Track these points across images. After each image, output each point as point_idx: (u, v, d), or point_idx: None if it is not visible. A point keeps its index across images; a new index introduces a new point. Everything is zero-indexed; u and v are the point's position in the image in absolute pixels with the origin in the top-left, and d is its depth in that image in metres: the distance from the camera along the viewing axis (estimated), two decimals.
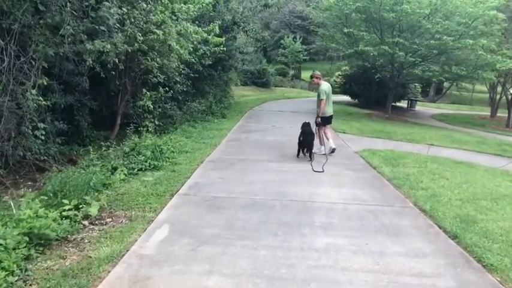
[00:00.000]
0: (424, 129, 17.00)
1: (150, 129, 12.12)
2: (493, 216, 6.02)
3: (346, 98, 28.96)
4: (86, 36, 10.27)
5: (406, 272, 4.29)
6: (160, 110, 12.73)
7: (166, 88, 12.57)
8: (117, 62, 10.40)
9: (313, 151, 9.72)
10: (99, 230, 5.07)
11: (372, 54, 17.82)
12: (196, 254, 4.48)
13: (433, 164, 9.41)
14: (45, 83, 8.67)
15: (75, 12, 8.97)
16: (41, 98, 8.15)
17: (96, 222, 5.35)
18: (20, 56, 8.11)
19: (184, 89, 15.01)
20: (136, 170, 7.85)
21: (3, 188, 7.27)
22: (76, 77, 10.85)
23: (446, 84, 40.10)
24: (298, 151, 9.87)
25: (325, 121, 10.47)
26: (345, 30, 18.15)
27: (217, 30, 13.21)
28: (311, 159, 9.40)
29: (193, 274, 4.05)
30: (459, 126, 21.90)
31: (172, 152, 9.43)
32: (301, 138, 9.76)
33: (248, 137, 12.76)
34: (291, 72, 49.01)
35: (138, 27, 10.91)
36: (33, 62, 8.31)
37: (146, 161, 8.20)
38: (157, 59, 11.71)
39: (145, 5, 10.41)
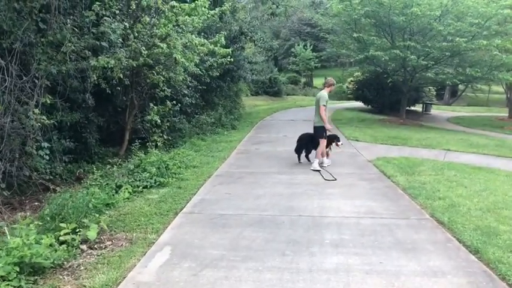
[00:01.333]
0: (441, 134, 16.53)
1: (158, 144, 11.96)
2: None
3: (359, 104, 28.58)
4: (90, 53, 10.18)
5: None
6: (168, 124, 12.54)
7: (174, 102, 12.38)
8: (121, 77, 10.28)
9: (322, 164, 9.81)
10: (97, 255, 4.82)
11: (383, 58, 17.45)
12: (198, 279, 4.21)
13: (450, 171, 9.02)
14: (49, 102, 8.55)
15: (76, 29, 8.86)
16: (44, 117, 8.00)
17: (95, 246, 5.11)
18: (22, 76, 8.00)
19: (193, 102, 14.84)
20: (141, 187, 7.63)
21: (10, 209, 7.13)
22: (81, 94, 10.72)
23: (461, 86, 39.53)
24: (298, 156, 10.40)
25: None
26: (355, 35, 17.83)
27: (223, 41, 13.00)
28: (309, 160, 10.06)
29: None
30: (476, 129, 21.32)
31: (179, 167, 9.20)
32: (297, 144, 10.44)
33: (258, 148, 12.49)
34: (303, 80, 48.77)
35: (142, 42, 10.78)
36: (36, 81, 8.20)
37: (152, 178, 7.98)
38: (163, 73, 11.53)
39: (148, 19, 10.25)
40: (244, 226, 5.77)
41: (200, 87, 14.84)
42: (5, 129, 7.32)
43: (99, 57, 9.96)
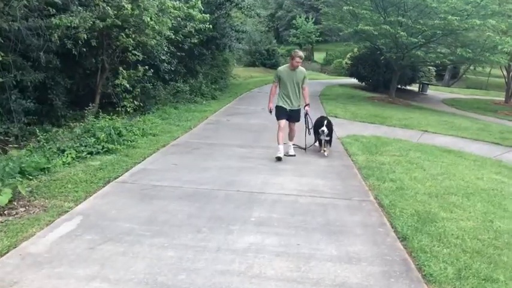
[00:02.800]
0: (425, 115, 16.08)
1: (128, 110, 11.62)
2: (457, 215, 5.32)
3: (354, 80, 28.00)
4: (54, 10, 9.71)
5: (327, 281, 3.66)
6: (139, 89, 12.11)
7: (146, 67, 11.94)
8: (86, 38, 9.84)
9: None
10: (1, 222, 4.54)
11: (373, 34, 16.86)
12: (92, 253, 3.92)
13: (416, 153, 8.67)
14: (0, 58, 8.13)
15: None
16: None
17: (5, 212, 4.82)
18: None
19: (172, 69, 14.40)
20: (85, 153, 7.30)
21: None
22: (45, 53, 10.31)
23: (464, 67, 38.73)
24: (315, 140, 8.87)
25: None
26: (345, 8, 17.19)
27: (200, 5, 12.49)
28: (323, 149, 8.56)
29: (73, 279, 3.48)
30: (469, 112, 20.83)
31: (135, 134, 8.86)
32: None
33: (230, 119, 12.14)
34: (303, 53, 47.89)
35: (110, 1, 10.31)
36: None
37: (100, 144, 7.65)
38: (133, 36, 11.06)
39: None
40: (173, 199, 5.48)
41: (179, 53, 14.38)
42: None
43: (62, 15, 9.53)
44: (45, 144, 7.47)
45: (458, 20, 15.61)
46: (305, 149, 8.65)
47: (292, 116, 8.16)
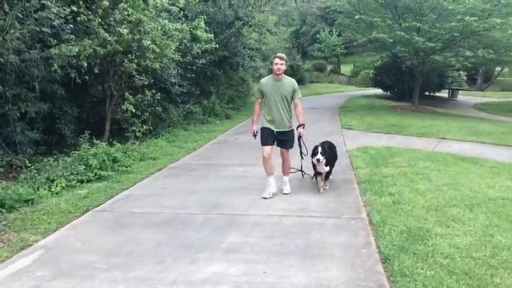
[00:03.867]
0: (448, 121, 15.32)
1: (138, 135, 11.52)
2: (454, 230, 4.80)
3: (379, 91, 27.27)
4: (55, 41, 9.78)
5: None
6: (147, 114, 12.03)
7: (153, 91, 11.85)
8: (85, 65, 9.82)
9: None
10: None
11: (388, 41, 16.31)
12: None
13: (426, 163, 8.11)
14: None
15: (20, 15, 8.41)
16: None
17: None
18: None
19: (184, 91, 14.34)
20: (75, 181, 7.17)
21: None
22: (50, 84, 10.40)
23: (497, 70, 37.21)
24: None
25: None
26: (356, 17, 16.74)
27: (202, 25, 12.39)
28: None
29: None
30: (499, 116, 19.81)
31: (134, 159, 8.71)
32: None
33: (238, 138, 11.86)
34: (329, 67, 47.41)
35: (108, 28, 10.34)
36: None
37: (92, 171, 7.52)
38: (136, 60, 11.01)
39: (107, 3, 9.68)
40: (147, 227, 5.21)
41: (189, 75, 14.32)
42: None
43: (62, 45, 9.58)
44: (36, 174, 7.37)
45: (477, 21, 14.88)
46: (302, 171, 7.28)
47: (281, 141, 6.36)
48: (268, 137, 6.34)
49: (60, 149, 10.82)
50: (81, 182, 7.24)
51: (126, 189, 6.86)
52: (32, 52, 9.28)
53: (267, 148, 6.34)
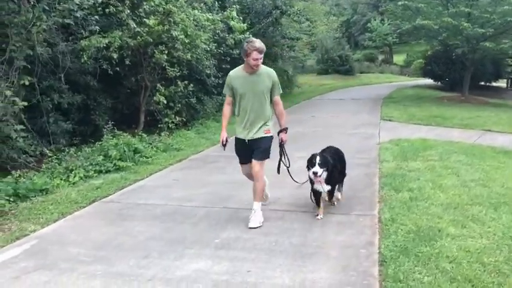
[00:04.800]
0: (499, 112, 14.29)
1: (170, 126, 11.52)
2: (470, 230, 4.33)
3: (429, 81, 26.02)
4: (86, 33, 9.94)
5: None
6: (180, 105, 12.01)
7: (186, 82, 11.78)
8: (115, 57, 9.89)
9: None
10: None
11: (434, 28, 15.41)
12: (13, 283, 3.63)
13: (459, 156, 7.52)
14: (28, 83, 8.32)
15: (47, 7, 8.54)
16: (16, 98, 7.76)
17: None
18: None
19: (220, 82, 14.22)
20: (92, 172, 7.21)
21: None
22: (84, 75, 10.60)
23: None
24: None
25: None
26: (400, 2, 15.91)
27: (234, 15, 12.17)
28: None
29: None
30: None
31: (157, 150, 8.68)
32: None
33: None
34: (380, 57, 45.92)
35: (136, 19, 10.35)
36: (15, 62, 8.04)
37: (111, 162, 7.55)
38: (167, 51, 10.98)
39: None
40: (146, 219, 5.10)
41: (224, 66, 14.17)
42: None
43: (92, 37, 9.70)
44: (56, 164, 7.48)
45: None
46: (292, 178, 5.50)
47: (254, 150, 4.82)
48: (242, 150, 4.96)
49: (95, 139, 11.01)
50: (100, 172, 7.28)
51: (140, 180, 6.81)
52: (61, 44, 9.45)
53: (245, 168, 5.02)
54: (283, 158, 5.17)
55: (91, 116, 10.83)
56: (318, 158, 4.83)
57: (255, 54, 4.53)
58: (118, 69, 10.41)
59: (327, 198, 5.22)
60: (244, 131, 4.87)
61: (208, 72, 13.36)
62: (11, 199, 5.82)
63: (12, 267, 3.91)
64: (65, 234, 4.70)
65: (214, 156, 8.36)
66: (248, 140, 4.84)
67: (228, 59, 13.99)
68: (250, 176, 4.99)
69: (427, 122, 11.94)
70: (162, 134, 10.28)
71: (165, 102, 11.24)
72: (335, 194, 5.29)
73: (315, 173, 4.77)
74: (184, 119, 12.30)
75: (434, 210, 4.90)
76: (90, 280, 3.64)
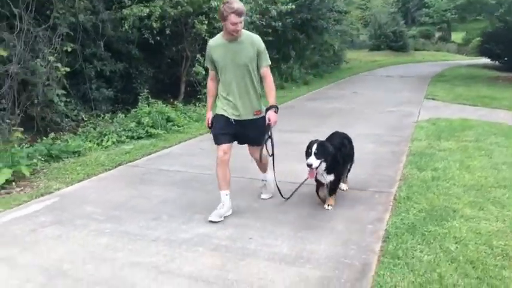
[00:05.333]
0: None
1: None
2: (487, 213, 4.15)
3: (486, 60, 24.72)
4: (129, 2, 10.13)
5: (242, 285, 3.06)
6: None
7: None
8: (155, 26, 10.02)
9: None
10: None
11: (490, 2, 14.53)
12: (28, 235, 3.86)
13: (497, 138, 7.16)
14: (70, 49, 8.62)
15: None
16: (59, 64, 8.09)
17: (2, 191, 5.06)
18: (40, 24, 8.19)
19: None
20: (125, 137, 7.46)
21: None
22: (126, 44, 10.83)
23: None
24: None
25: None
26: None
27: None
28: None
29: None
30: None
31: (189, 120, 8.83)
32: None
33: (307, 104, 11.51)
34: (437, 34, 43.94)
35: None
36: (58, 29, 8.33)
37: (144, 129, 7.78)
38: (206, 22, 11.02)
39: None
40: (164, 184, 5.26)
41: (266, 38, 14.06)
42: (15, 76, 7.47)
43: (133, 6, 9.89)
44: (92, 129, 7.77)
45: None
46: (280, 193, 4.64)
47: (245, 137, 4.31)
48: (223, 129, 4.18)
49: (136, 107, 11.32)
50: (131, 138, 7.52)
51: (169, 147, 6.98)
52: (103, 12, 9.69)
53: (223, 148, 4.17)
54: (266, 145, 4.29)
55: (133, 85, 11.08)
56: (314, 147, 4.12)
57: (233, 18, 3.80)
58: (159, 38, 10.54)
59: (327, 199, 4.50)
60: (228, 109, 4.15)
61: None
62: (45, 159, 6.15)
63: (32, 221, 4.16)
64: (85, 194, 4.92)
65: None
66: (235, 121, 4.17)
67: (270, 31, 13.86)
68: (224, 158, 4.20)
69: (472, 102, 11.40)
70: (200, 104, 10.40)
71: (203, 73, 11.32)
72: (340, 185, 4.70)
73: (309, 165, 4.10)
74: None
75: (455, 191, 4.73)
76: (98, 237, 3.82)
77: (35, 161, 5.83)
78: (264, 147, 4.32)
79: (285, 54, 16.05)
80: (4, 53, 7.18)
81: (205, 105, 10.03)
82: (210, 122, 4.28)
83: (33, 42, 7.94)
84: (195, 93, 12.01)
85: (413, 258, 3.33)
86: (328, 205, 4.46)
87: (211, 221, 4.07)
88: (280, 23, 13.76)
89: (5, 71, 7.36)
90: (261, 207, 4.50)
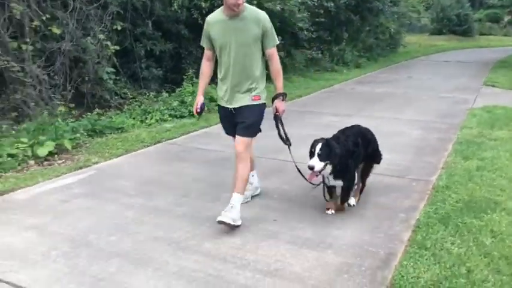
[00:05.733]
0: None
1: None
2: None
3: None
4: None
5: (259, 266, 3.01)
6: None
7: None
8: (204, 6, 10.06)
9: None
10: (26, 171, 4.97)
11: None
12: (61, 205, 4.00)
13: None
14: (120, 28, 8.80)
15: None
16: (108, 42, 8.30)
17: (45, 163, 5.28)
18: (92, 2, 8.39)
19: (313, 36, 13.88)
20: (167, 115, 7.58)
21: None
22: (176, 24, 10.93)
23: None
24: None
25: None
26: None
27: None
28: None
29: (16, 225, 3.58)
30: None
31: None
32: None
33: (355, 88, 11.21)
34: (506, 18, 41.32)
35: None
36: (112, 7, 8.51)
37: (186, 108, 7.85)
38: (255, 2, 10.91)
39: None
40: (198, 162, 5.29)
41: (317, 19, 13.77)
42: (67, 53, 7.73)
43: None
44: (137, 106, 7.93)
45: None
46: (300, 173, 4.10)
47: (238, 123, 3.71)
48: (226, 121, 3.89)
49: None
50: (174, 116, 7.63)
51: (208, 127, 7.01)
52: None
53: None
54: (281, 133, 4.02)
55: (182, 65, 11.17)
56: (318, 147, 3.52)
57: None
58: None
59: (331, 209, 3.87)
60: (226, 96, 3.69)
61: (301, 25, 13.07)
62: (88, 134, 6.35)
63: (66, 192, 4.31)
64: (120, 169, 5.04)
65: (290, 111, 8.26)
66: (232, 109, 3.69)
67: (322, 11, 13.55)
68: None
69: None
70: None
71: None
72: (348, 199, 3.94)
73: (310, 168, 3.49)
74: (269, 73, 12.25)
75: (500, 183, 4.43)
76: (126, 210, 3.89)
77: (78, 135, 6.03)
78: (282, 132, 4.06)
79: (337, 36, 15.65)
80: (57, 31, 7.43)
81: None
82: (198, 107, 3.78)
83: (84, 20, 8.16)
84: None
85: (441, 250, 3.15)
86: (329, 209, 3.85)
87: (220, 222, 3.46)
88: (332, 4, 13.41)
89: (57, 48, 7.61)
90: (291, 189, 4.42)
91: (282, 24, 12.53)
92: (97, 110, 7.37)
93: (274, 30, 3.61)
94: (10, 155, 5.14)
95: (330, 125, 7.09)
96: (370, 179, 4.32)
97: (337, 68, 14.23)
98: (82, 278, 2.85)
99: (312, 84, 11.44)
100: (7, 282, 2.78)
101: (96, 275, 2.88)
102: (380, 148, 4.27)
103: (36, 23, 7.09)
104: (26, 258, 3.07)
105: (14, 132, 5.78)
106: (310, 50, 13.68)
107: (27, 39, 7.06)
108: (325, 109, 8.53)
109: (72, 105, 7.52)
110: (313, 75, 12.72)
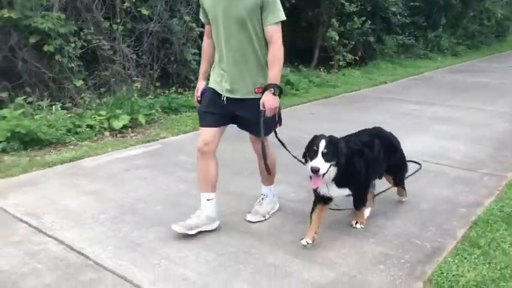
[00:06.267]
0: None
1: (340, 64, 11.37)
2: None
3: None
4: None
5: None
6: (355, 42, 11.60)
7: (363, 18, 11.31)
8: None
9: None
10: (100, 141, 5.31)
11: None
12: (121, 174, 4.24)
13: None
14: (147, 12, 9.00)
15: None
16: (194, 24, 8.55)
17: (118, 135, 5.61)
18: None
19: (407, 21, 13.22)
20: None
21: None
22: None
23: None
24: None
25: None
26: None
27: None
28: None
29: (75, 189, 3.85)
30: None
31: (311, 84, 8.72)
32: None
33: (446, 76, 10.51)
34: None
35: None
36: None
37: None
38: None
39: None
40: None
41: (412, 3, 13.06)
42: (155, 34, 8.11)
43: None
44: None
45: None
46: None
47: (242, 119, 3.19)
48: (209, 106, 3.11)
49: None
50: None
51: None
52: None
53: (207, 132, 3.18)
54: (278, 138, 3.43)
55: None
56: (322, 144, 2.78)
57: None
58: (294, 1, 10.44)
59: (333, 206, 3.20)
60: (218, 79, 3.05)
61: (394, 9, 12.49)
62: (164, 111, 6.64)
63: (129, 162, 4.56)
64: (185, 144, 5.20)
65: (366, 97, 8.03)
66: (227, 98, 3.03)
67: None
68: (205, 148, 3.27)
69: None
70: (325, 70, 10.16)
71: (336, 38, 11.00)
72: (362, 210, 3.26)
73: (315, 170, 2.72)
74: (358, 58, 11.86)
75: None
76: (179, 183, 4.03)
77: (153, 111, 6.31)
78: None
79: (435, 21, 14.72)
80: (146, 12, 7.78)
81: (337, 71, 9.76)
82: (198, 94, 3.21)
83: (172, 2, 8.45)
84: (328, 59, 11.75)
85: (496, 250, 2.85)
86: (357, 223, 3.24)
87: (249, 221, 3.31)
88: None
89: (146, 29, 7.98)
90: None
91: (374, 8, 12.07)
92: (174, 88, 7.59)
93: (279, 3, 2.83)
94: (89, 126, 5.53)
95: (408, 113, 6.80)
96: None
97: (431, 55, 13.42)
98: (121, 241, 2.99)
99: (399, 70, 10.92)
100: (55, 239, 3.00)
101: (134, 240, 3.01)
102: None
103: (127, 4, 7.46)
104: (77, 219, 3.29)
105: (94, 105, 6.18)
106: (401, 36, 13.00)
107: (118, 20, 7.48)
108: (408, 97, 8.10)
109: (158, 84, 7.87)
110: (403, 62, 12.10)
